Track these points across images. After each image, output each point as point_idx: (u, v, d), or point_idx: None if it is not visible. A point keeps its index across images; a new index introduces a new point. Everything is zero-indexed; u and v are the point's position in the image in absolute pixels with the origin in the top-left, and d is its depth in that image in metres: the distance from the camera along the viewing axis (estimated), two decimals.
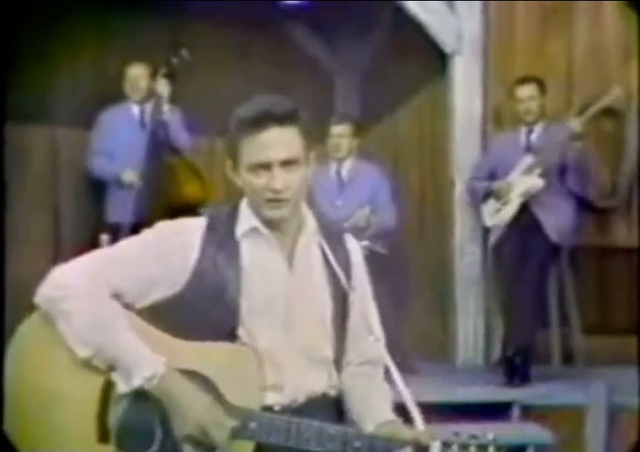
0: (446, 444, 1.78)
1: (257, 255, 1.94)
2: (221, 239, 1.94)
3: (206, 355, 1.87)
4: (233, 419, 1.81)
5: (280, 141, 1.88)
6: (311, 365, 1.96)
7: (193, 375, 1.85)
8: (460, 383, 4.54)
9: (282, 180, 1.87)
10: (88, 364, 1.86)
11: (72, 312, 1.85)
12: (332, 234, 2.05)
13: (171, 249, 1.93)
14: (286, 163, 1.88)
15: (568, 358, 4.96)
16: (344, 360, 2.04)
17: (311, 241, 2.00)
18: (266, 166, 1.87)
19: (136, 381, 1.82)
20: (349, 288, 2.02)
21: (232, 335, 1.90)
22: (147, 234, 1.99)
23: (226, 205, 2.03)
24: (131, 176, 5.11)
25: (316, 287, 1.99)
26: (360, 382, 2.03)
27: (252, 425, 1.82)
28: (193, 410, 1.81)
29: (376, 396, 2.02)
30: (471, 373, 4.99)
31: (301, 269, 1.97)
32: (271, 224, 1.94)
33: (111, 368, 1.85)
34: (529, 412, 4.26)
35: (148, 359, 1.84)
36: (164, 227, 1.98)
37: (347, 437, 1.82)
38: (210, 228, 1.95)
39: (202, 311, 1.90)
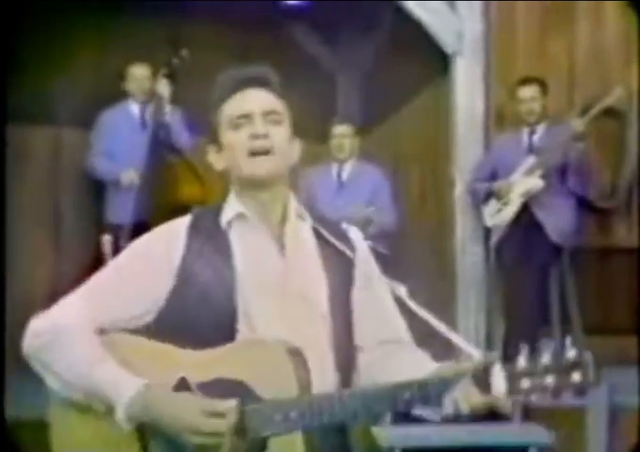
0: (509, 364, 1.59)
1: (246, 243, 1.88)
2: (207, 232, 1.88)
3: (234, 359, 1.77)
4: (273, 412, 1.69)
5: (260, 96, 1.88)
6: (311, 359, 1.82)
7: (221, 382, 1.74)
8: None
9: (265, 127, 1.84)
10: (89, 409, 1.78)
11: (50, 360, 1.81)
12: (332, 225, 1.98)
13: (153, 256, 1.87)
14: (268, 113, 1.86)
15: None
16: (353, 344, 1.94)
17: (300, 223, 1.93)
18: (247, 116, 1.85)
19: (120, 411, 1.71)
20: (354, 268, 1.94)
21: (231, 330, 1.82)
22: (124, 252, 1.94)
23: (214, 204, 1.97)
24: (130, 175, 5.12)
25: (311, 270, 1.91)
26: (385, 361, 1.91)
27: (293, 414, 1.69)
28: (178, 417, 1.70)
29: (414, 363, 1.88)
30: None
31: (293, 252, 1.90)
32: (257, 207, 1.89)
33: (107, 408, 1.75)
34: (530, 413, 4.27)
35: (122, 385, 1.74)
36: (138, 241, 1.94)
37: (395, 392, 1.67)
38: (194, 224, 1.90)
39: (197, 308, 1.83)
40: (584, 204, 5.03)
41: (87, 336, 1.81)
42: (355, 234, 2.01)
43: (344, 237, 1.97)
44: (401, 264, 4.72)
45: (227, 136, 1.87)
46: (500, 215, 4.94)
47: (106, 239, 4.99)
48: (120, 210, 5.10)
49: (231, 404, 1.69)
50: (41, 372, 1.83)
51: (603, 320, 5.17)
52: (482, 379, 1.62)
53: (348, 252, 1.94)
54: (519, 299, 4.66)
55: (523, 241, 4.81)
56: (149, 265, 1.87)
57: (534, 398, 1.58)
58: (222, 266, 1.85)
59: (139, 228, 4.71)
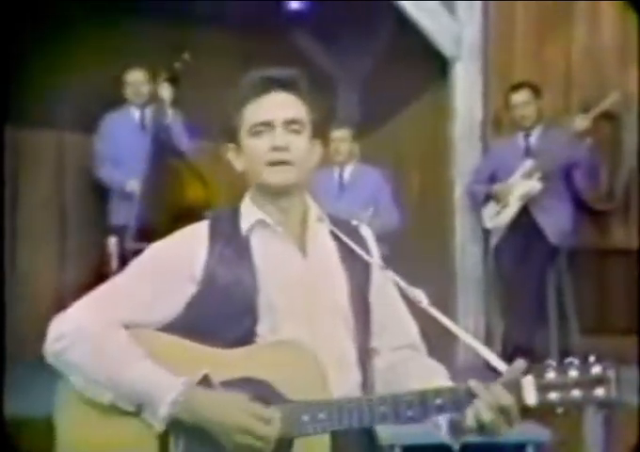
0: (539, 376, 1.64)
1: (268, 248, 1.87)
2: (228, 238, 1.87)
3: (259, 359, 1.77)
4: (302, 413, 1.69)
5: (282, 102, 1.84)
6: (334, 360, 1.82)
7: (246, 381, 1.73)
8: (460, 382, 4.57)
9: (285, 139, 1.82)
10: (117, 409, 1.75)
11: (76, 361, 1.77)
12: (345, 225, 1.99)
13: (174, 261, 1.85)
14: (289, 123, 1.83)
15: (565, 357, 5.00)
16: (370, 346, 1.94)
17: (319, 227, 1.93)
18: (269, 124, 1.82)
19: (162, 411, 1.69)
20: (371, 271, 1.94)
21: (251, 333, 1.81)
22: (142, 255, 1.91)
23: (229, 207, 1.97)
24: (134, 186, 5.15)
25: (333, 273, 1.90)
26: (401, 366, 1.90)
27: (322, 415, 1.68)
28: (229, 416, 1.68)
29: (428, 370, 1.90)
30: (470, 372, 5.02)
31: (316, 256, 1.89)
32: (278, 213, 1.88)
33: (138, 407, 1.73)
34: (528, 411, 4.29)
35: (165, 383, 1.71)
36: (159, 245, 1.91)
37: (426, 397, 1.67)
38: (213, 229, 1.88)
39: (218, 312, 1.81)
40: (581, 206, 5.06)
41: (117, 335, 1.78)
42: (366, 231, 2.02)
43: (357, 237, 1.97)
44: (401, 265, 4.75)
45: (247, 141, 1.86)
46: (499, 217, 4.97)
47: (111, 241, 5.04)
48: (125, 212, 5.13)
49: (276, 413, 1.68)
50: (66, 374, 1.79)
51: (600, 321, 5.21)
52: (514, 390, 1.65)
53: (364, 253, 1.94)
54: (517, 300, 4.69)
55: (522, 243, 4.84)
56: (170, 270, 1.85)
57: (559, 411, 1.64)
58: (244, 270, 1.83)
59: (144, 230, 4.77)
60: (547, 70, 5.39)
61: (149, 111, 5.38)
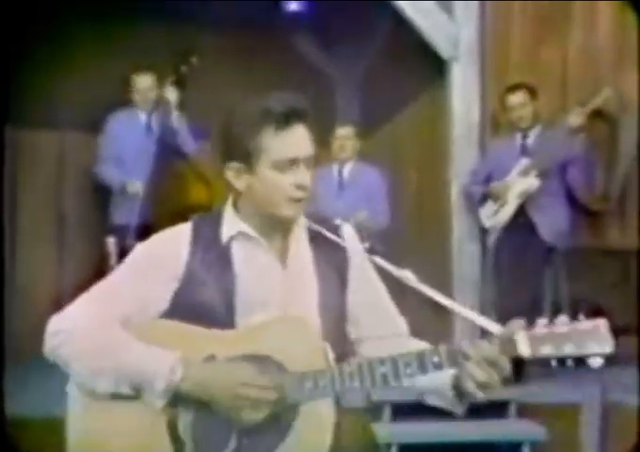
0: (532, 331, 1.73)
1: (249, 258, 1.92)
2: (209, 244, 1.91)
3: (258, 335, 1.84)
4: (304, 381, 1.77)
5: (305, 138, 1.87)
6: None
7: (248, 358, 1.81)
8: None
9: (307, 177, 1.87)
10: (116, 398, 1.81)
11: (74, 354, 1.82)
12: (326, 225, 2.01)
13: (162, 258, 1.91)
14: (309, 160, 1.88)
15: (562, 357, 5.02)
16: (351, 339, 2.01)
17: (301, 236, 1.98)
18: (294, 162, 1.85)
19: (160, 384, 1.76)
20: (349, 270, 1.99)
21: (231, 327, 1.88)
22: (133, 254, 1.96)
23: (212, 211, 2.00)
24: (136, 187, 5.17)
25: (308, 284, 1.95)
26: (390, 349, 1.92)
27: (323, 382, 1.77)
28: (225, 383, 1.76)
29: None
30: None
31: (294, 267, 1.94)
32: (265, 227, 1.92)
33: (138, 390, 1.79)
34: (525, 410, 4.32)
35: (161, 358, 1.79)
36: (149, 242, 1.97)
37: (423, 357, 1.77)
38: (196, 233, 1.93)
39: (197, 312, 1.87)
40: (577, 207, 5.08)
41: (109, 325, 1.84)
42: (348, 231, 2.05)
43: (337, 235, 2.00)
44: (398, 263, 4.77)
45: (268, 173, 1.86)
46: (497, 216, 4.99)
47: (110, 241, 5.05)
48: (126, 212, 5.14)
49: (268, 380, 1.77)
50: (65, 368, 1.84)
51: None
52: (508, 344, 1.76)
53: (342, 253, 1.99)
54: (512, 299, 4.71)
55: (518, 242, 4.85)
56: (159, 266, 1.91)
57: (554, 364, 1.76)
58: (223, 277, 1.89)
59: (145, 229, 4.78)
60: (543, 71, 5.41)
61: (156, 115, 5.39)
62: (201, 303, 1.87)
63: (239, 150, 1.87)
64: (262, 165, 1.86)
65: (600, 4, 5.45)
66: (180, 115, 5.29)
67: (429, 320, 5.61)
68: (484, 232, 5.26)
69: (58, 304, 1.95)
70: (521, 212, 4.88)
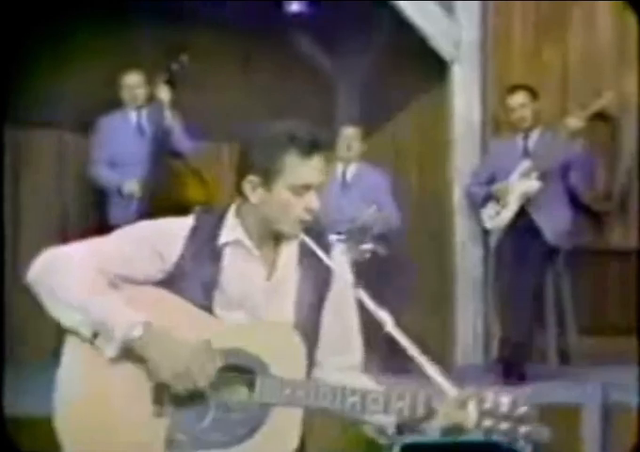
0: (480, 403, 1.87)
1: (238, 263, 2.05)
2: (204, 243, 2.04)
3: (251, 333, 2.00)
4: (285, 387, 1.93)
5: (322, 167, 2.04)
6: None
7: (238, 351, 1.96)
8: (459, 382, 4.57)
9: (318, 202, 2.03)
10: (74, 333, 1.95)
11: (54, 283, 1.94)
12: (320, 243, 2.11)
13: (155, 240, 2.04)
14: (318, 186, 2.04)
15: (563, 357, 5.04)
16: (315, 359, 2.12)
17: (290, 251, 2.10)
18: (308, 187, 2.02)
19: (118, 334, 1.89)
20: (330, 291, 2.12)
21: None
22: (131, 226, 2.13)
23: (217, 210, 2.13)
24: (132, 186, 5.16)
25: (288, 297, 2.09)
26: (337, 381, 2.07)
27: (300, 392, 1.94)
28: (180, 353, 1.90)
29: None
30: (469, 372, 5.05)
31: (278, 280, 2.08)
32: (261, 238, 2.06)
33: (94, 335, 1.93)
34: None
35: (130, 314, 1.92)
36: (149, 223, 2.12)
37: (389, 398, 1.93)
38: (195, 230, 2.05)
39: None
40: (579, 207, 5.08)
41: (90, 269, 1.97)
42: (338, 253, 2.17)
43: (327, 254, 2.11)
44: (401, 265, 4.79)
45: (284, 193, 2.01)
46: (499, 217, 4.99)
47: None
48: (123, 213, 5.11)
49: (217, 366, 1.92)
50: (43, 298, 1.97)
51: (597, 321, 5.23)
52: (459, 410, 1.90)
53: (327, 273, 2.10)
54: (515, 300, 4.71)
55: (520, 243, 4.85)
56: (151, 244, 2.03)
57: (487, 438, 1.88)
58: (208, 270, 2.03)
59: None
60: (544, 72, 5.42)
61: (145, 113, 5.38)
62: (182, 289, 2.01)
63: (261, 167, 2.01)
64: (279, 185, 2.00)
65: (600, 5, 5.46)
66: (173, 114, 5.27)
67: (433, 323, 5.63)
68: (486, 233, 5.26)
69: None
70: (523, 213, 4.88)
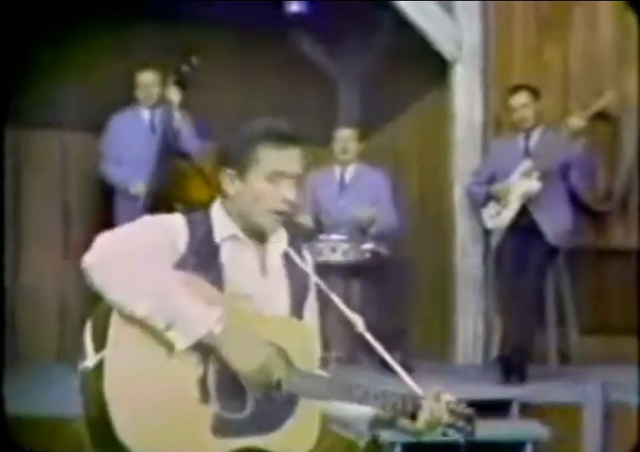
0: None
1: (237, 257, 2.10)
2: (202, 241, 2.07)
3: (277, 327, 2.07)
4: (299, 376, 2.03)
5: (297, 158, 2.09)
6: None
7: (269, 345, 2.00)
8: (459, 381, 4.53)
9: (294, 192, 2.08)
10: (145, 324, 1.88)
11: (125, 273, 1.88)
12: (295, 245, 2.23)
13: (168, 230, 2.04)
14: (298, 177, 2.10)
15: (564, 357, 5.04)
16: None
17: (275, 248, 2.18)
18: (283, 175, 2.06)
19: (201, 330, 1.88)
20: (309, 292, 2.23)
21: None
22: (143, 219, 2.09)
23: (196, 211, 2.15)
24: (139, 188, 5.17)
25: (283, 292, 2.17)
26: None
27: (320, 386, 2.05)
28: (257, 350, 1.95)
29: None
30: (470, 371, 5.05)
31: (270, 276, 2.16)
32: (253, 232, 2.12)
33: (168, 327, 1.87)
34: (527, 410, 4.31)
35: (210, 308, 1.91)
36: (151, 223, 2.07)
37: (387, 394, 2.08)
38: (191, 229, 2.07)
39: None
40: (580, 207, 5.09)
41: (169, 269, 1.97)
42: (307, 253, 2.28)
43: (302, 257, 2.23)
44: (401, 265, 4.80)
45: (260, 183, 2.07)
46: (499, 217, 4.99)
47: None
48: (128, 213, 5.06)
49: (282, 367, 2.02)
50: (104, 286, 1.87)
51: (598, 321, 5.24)
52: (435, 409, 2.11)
53: (305, 274, 2.21)
54: (516, 300, 4.71)
55: (521, 243, 4.85)
56: (166, 243, 2.02)
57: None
58: (212, 268, 2.05)
59: None
60: (546, 72, 5.43)
61: (158, 112, 5.40)
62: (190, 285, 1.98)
63: (237, 159, 2.08)
64: (253, 175, 2.07)
65: (601, 5, 5.47)
66: (183, 115, 5.29)
67: (433, 323, 5.65)
68: (486, 233, 5.27)
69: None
70: (524, 213, 4.88)
